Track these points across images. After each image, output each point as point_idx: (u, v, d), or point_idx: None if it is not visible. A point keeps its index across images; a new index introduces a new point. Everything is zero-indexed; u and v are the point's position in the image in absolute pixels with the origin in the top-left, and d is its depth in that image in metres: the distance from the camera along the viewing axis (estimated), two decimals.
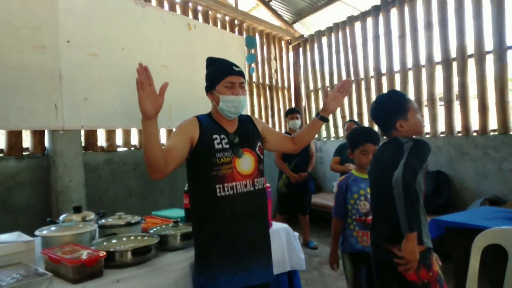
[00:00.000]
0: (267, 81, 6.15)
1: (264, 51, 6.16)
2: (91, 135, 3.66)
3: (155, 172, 1.50)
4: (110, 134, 3.83)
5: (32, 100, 2.74)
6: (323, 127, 5.98)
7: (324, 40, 6.22)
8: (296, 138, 1.96)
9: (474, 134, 4.30)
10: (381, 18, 5.25)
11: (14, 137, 3.16)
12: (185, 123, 1.69)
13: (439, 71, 4.59)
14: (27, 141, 3.29)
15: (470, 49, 4.28)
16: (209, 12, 5.15)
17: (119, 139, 3.93)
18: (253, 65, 5.45)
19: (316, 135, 4.89)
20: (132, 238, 1.76)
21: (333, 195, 2.44)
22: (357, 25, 5.65)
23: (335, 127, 6.07)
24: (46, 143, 3.24)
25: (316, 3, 6.01)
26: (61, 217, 2.00)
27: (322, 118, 1.90)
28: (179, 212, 2.40)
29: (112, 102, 3.21)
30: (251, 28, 5.89)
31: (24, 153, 3.22)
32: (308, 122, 6.40)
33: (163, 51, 3.63)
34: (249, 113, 5.25)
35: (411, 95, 4.75)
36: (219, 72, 1.70)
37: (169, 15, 3.86)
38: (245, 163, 1.66)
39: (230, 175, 1.62)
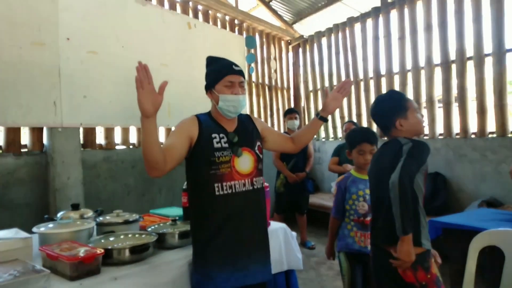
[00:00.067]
0: (266, 81, 6.15)
1: (264, 51, 6.16)
2: (90, 132, 3.66)
3: (153, 170, 1.50)
4: (109, 132, 3.82)
5: (31, 97, 2.74)
6: (322, 127, 5.99)
7: (324, 40, 6.23)
8: (295, 138, 1.97)
9: (473, 136, 4.31)
10: (381, 19, 5.25)
11: (13, 133, 3.16)
12: (185, 122, 1.69)
13: (438, 73, 4.60)
14: (25, 138, 3.28)
15: (469, 51, 4.29)
16: (209, 12, 5.15)
17: (117, 137, 3.93)
18: (252, 65, 5.45)
19: (315, 136, 4.89)
20: (130, 236, 1.76)
21: (331, 195, 2.45)
22: (357, 26, 5.65)
23: (334, 127, 6.07)
24: (45, 140, 3.24)
25: (316, 4, 6.02)
26: (59, 214, 2.00)
27: (321, 118, 1.91)
28: (177, 211, 2.41)
29: (111, 100, 3.21)
30: (251, 28, 5.89)
31: (22, 150, 3.21)
32: (307, 122, 6.42)
33: (162, 49, 3.63)
34: (248, 113, 5.24)
35: (410, 97, 4.75)
36: (219, 71, 1.70)
37: (169, 14, 3.86)
38: (244, 162, 1.66)
39: (229, 174, 1.62)
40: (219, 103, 1.67)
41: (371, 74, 5.44)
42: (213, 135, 1.65)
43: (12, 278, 1.27)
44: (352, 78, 5.66)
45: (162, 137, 4.30)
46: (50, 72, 2.83)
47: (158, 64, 3.52)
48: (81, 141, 3.51)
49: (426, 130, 4.69)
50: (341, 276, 2.31)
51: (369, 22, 5.42)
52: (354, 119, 5.60)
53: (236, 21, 5.61)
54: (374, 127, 5.32)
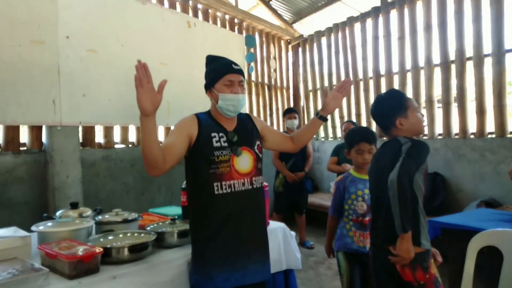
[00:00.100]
0: (266, 81, 6.15)
1: (264, 50, 6.16)
2: (89, 131, 3.65)
3: (153, 169, 1.50)
4: (108, 131, 3.82)
5: (30, 95, 2.73)
6: (321, 127, 5.99)
7: (324, 40, 6.23)
8: (295, 137, 1.97)
9: (472, 136, 4.32)
10: (380, 19, 5.25)
11: (12, 132, 3.16)
12: (184, 120, 1.69)
13: (437, 73, 4.60)
14: (24, 136, 3.28)
15: (469, 52, 4.30)
16: (209, 11, 5.14)
17: (117, 135, 3.93)
18: (252, 64, 5.44)
19: (314, 135, 4.90)
20: (129, 234, 1.76)
21: (330, 195, 2.45)
22: (357, 26, 5.65)
23: (333, 127, 6.08)
24: (44, 138, 3.24)
25: (316, 3, 6.02)
26: (58, 213, 2.00)
27: (321, 117, 1.90)
28: (176, 210, 2.41)
29: (111, 99, 3.20)
30: (250, 27, 5.89)
31: (21, 149, 3.21)
32: (306, 122, 6.42)
33: (162, 48, 3.62)
34: (247, 112, 5.24)
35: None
36: (219, 70, 1.70)
37: (169, 13, 3.86)
38: (244, 161, 1.66)
39: (228, 173, 1.62)
40: (218, 102, 1.67)
41: (370, 74, 5.44)
42: (213, 134, 1.65)
43: (11, 276, 1.27)
44: (351, 78, 5.66)
45: (161, 136, 4.30)
46: (50, 70, 2.83)
47: (158, 63, 3.51)
48: (80, 140, 3.50)
49: (426, 130, 4.69)
50: (339, 276, 2.31)
51: (369, 21, 5.43)
52: (354, 119, 5.60)
53: (236, 20, 5.61)
54: (374, 127, 5.33)
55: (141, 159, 1.49)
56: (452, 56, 4.44)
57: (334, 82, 5.97)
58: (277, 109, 6.35)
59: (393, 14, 5.09)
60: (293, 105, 6.64)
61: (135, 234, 1.77)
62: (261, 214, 1.74)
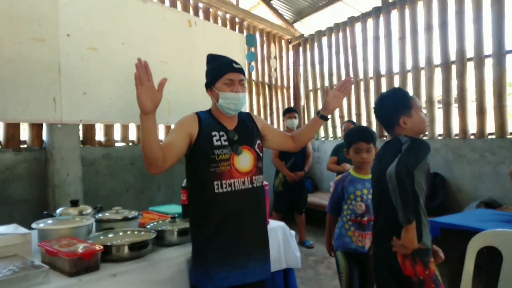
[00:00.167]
0: (266, 80, 6.15)
1: (264, 49, 6.16)
2: (89, 129, 3.65)
3: (153, 167, 1.50)
4: (108, 129, 3.82)
5: (30, 92, 2.73)
6: (322, 127, 6.01)
7: (324, 40, 6.23)
8: (296, 136, 1.97)
9: (472, 137, 4.32)
10: (381, 19, 5.25)
11: (12, 129, 3.16)
12: (185, 119, 1.69)
13: (438, 73, 4.61)
14: (25, 134, 3.28)
15: (470, 52, 4.30)
16: (210, 10, 5.14)
17: (117, 134, 3.93)
18: (252, 63, 5.44)
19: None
20: (129, 232, 1.76)
21: (329, 194, 2.45)
22: (358, 26, 5.65)
23: (333, 127, 6.08)
24: (44, 136, 3.24)
25: (317, 3, 6.02)
26: (58, 211, 2.01)
27: (322, 117, 1.91)
28: (176, 208, 2.41)
29: (111, 97, 3.20)
30: (251, 26, 5.89)
31: (21, 146, 3.21)
32: (306, 121, 6.43)
33: (163, 47, 3.62)
34: (248, 111, 5.24)
35: None
36: (219, 69, 1.70)
37: (169, 11, 3.86)
38: (244, 160, 1.66)
39: (228, 172, 1.62)
40: (219, 101, 1.67)
41: (371, 74, 5.44)
42: (213, 133, 1.65)
43: (11, 273, 1.27)
44: (352, 78, 5.66)
45: (162, 135, 4.30)
46: (50, 68, 2.83)
47: (158, 62, 3.51)
48: (81, 138, 3.50)
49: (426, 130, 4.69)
50: (338, 275, 2.32)
51: (370, 22, 5.43)
52: (354, 119, 5.61)
53: (236, 19, 5.60)
54: (374, 127, 5.34)
55: (141, 157, 1.49)
56: (452, 56, 4.44)
57: (335, 82, 5.97)
58: (278, 108, 6.35)
59: (394, 14, 5.09)
60: (293, 105, 6.64)
61: (135, 232, 1.77)
62: (261, 213, 1.74)
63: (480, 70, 4.19)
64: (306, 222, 4.70)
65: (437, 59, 4.61)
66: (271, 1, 6.14)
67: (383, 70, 5.26)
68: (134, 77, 1.38)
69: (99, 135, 3.78)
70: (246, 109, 5.17)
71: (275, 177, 4.54)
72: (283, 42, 6.59)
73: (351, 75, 5.70)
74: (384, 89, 5.22)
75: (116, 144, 3.89)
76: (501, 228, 1.96)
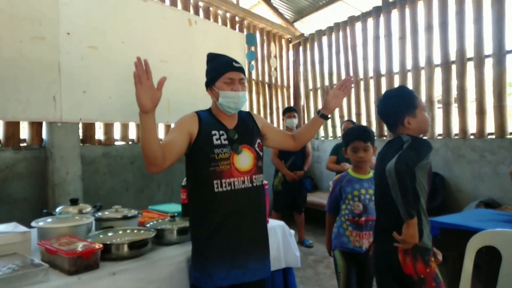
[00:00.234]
0: (266, 79, 6.15)
1: (264, 49, 6.15)
2: (89, 128, 3.65)
3: (152, 166, 1.50)
4: (108, 128, 3.82)
5: (30, 91, 2.73)
6: (321, 126, 6.02)
7: (325, 39, 6.22)
8: (296, 135, 1.97)
9: (471, 137, 4.32)
10: (382, 19, 5.25)
11: (12, 128, 3.15)
12: (185, 118, 1.69)
13: (438, 73, 4.61)
14: (24, 132, 3.28)
15: (470, 52, 4.30)
16: (210, 8, 5.14)
17: (117, 133, 3.93)
18: (252, 62, 5.45)
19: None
20: (128, 231, 1.76)
21: (329, 194, 2.46)
22: (358, 25, 5.65)
23: (333, 126, 6.08)
24: (44, 135, 3.23)
25: (317, 2, 6.01)
26: (57, 209, 2.00)
27: (322, 116, 1.91)
28: (176, 207, 2.41)
29: (111, 96, 3.20)
30: (251, 25, 5.88)
31: (21, 145, 3.21)
32: (306, 121, 6.43)
33: (163, 46, 3.63)
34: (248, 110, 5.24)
35: None
36: (219, 68, 1.70)
37: (170, 10, 3.86)
38: (244, 159, 1.66)
39: (228, 171, 1.62)
40: (219, 100, 1.67)
41: (371, 73, 5.44)
42: (213, 132, 1.65)
43: (11, 271, 1.27)
44: (352, 77, 5.65)
45: (161, 133, 4.30)
46: (50, 66, 2.83)
47: (158, 61, 3.51)
48: (81, 137, 3.50)
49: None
50: (335, 274, 2.32)
51: (370, 21, 5.42)
52: (354, 119, 5.61)
53: (237, 19, 5.60)
54: (373, 126, 5.34)
55: (141, 156, 1.49)
56: (452, 56, 4.44)
57: (335, 81, 5.97)
58: (277, 108, 6.35)
59: (394, 14, 5.09)
60: (293, 104, 6.64)
61: (135, 231, 1.77)
62: (261, 212, 1.74)
63: (480, 70, 4.20)
64: (306, 222, 4.70)
65: (437, 59, 4.61)
66: (271, 0, 6.14)
67: (383, 70, 5.26)
68: (133, 76, 1.38)
69: (99, 134, 3.78)
70: (246, 108, 5.17)
71: (274, 176, 4.54)
72: (283, 41, 6.58)
73: (351, 74, 5.70)
74: (384, 88, 5.22)
75: (116, 143, 3.89)
76: (501, 228, 1.96)
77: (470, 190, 4.20)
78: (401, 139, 1.71)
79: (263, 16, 6.00)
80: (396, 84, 5.06)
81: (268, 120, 6.11)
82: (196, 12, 4.85)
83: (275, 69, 6.28)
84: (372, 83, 5.43)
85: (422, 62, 4.75)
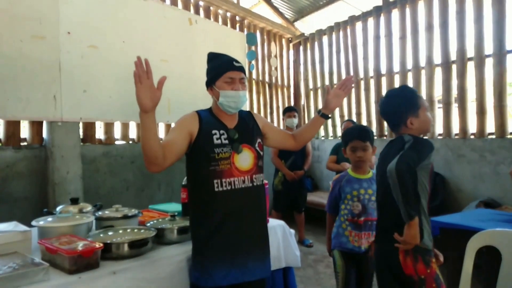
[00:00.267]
0: (266, 79, 6.15)
1: (265, 48, 6.15)
2: (89, 127, 3.65)
3: (153, 165, 1.50)
4: (108, 127, 3.82)
5: (31, 90, 2.73)
6: (322, 126, 6.01)
7: (325, 39, 6.22)
8: (297, 135, 1.96)
9: (472, 137, 4.32)
10: (382, 18, 5.25)
11: (12, 127, 3.16)
12: (185, 117, 1.69)
13: (438, 73, 4.60)
14: (25, 131, 3.28)
15: (470, 52, 4.30)
16: (211, 8, 5.13)
17: (117, 132, 3.93)
18: (253, 62, 5.45)
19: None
20: (129, 230, 1.76)
21: (329, 193, 2.46)
22: (358, 25, 5.65)
23: (333, 126, 6.08)
24: (44, 134, 3.24)
25: (317, 2, 6.01)
26: (58, 208, 2.01)
27: (323, 115, 1.90)
28: (176, 206, 2.41)
29: (111, 95, 3.21)
30: (252, 25, 5.88)
31: (21, 144, 3.21)
32: (306, 120, 6.43)
33: (163, 45, 3.63)
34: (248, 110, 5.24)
35: None
36: (220, 68, 1.70)
37: (170, 9, 3.86)
38: (244, 159, 1.66)
39: (228, 170, 1.62)
40: (219, 99, 1.67)
41: (371, 73, 5.44)
42: (213, 131, 1.65)
43: (11, 270, 1.27)
44: (352, 76, 5.65)
45: (162, 133, 4.30)
46: (50, 66, 2.83)
47: (159, 60, 3.51)
48: (81, 136, 3.51)
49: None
50: (334, 273, 2.32)
51: (371, 21, 5.42)
52: (354, 118, 5.61)
53: (237, 18, 5.60)
54: (373, 126, 5.34)
55: (141, 155, 1.49)
56: (453, 56, 4.44)
57: (335, 81, 5.97)
58: (278, 107, 6.35)
59: (395, 13, 5.09)
60: (293, 104, 6.64)
61: (135, 230, 1.77)
62: (261, 212, 1.74)
63: (480, 70, 4.19)
64: (306, 221, 4.70)
65: (437, 58, 4.60)
66: (272, 0, 6.13)
67: (383, 70, 5.26)
68: (133, 75, 1.38)
69: (99, 133, 3.78)
70: (246, 107, 5.17)
71: (274, 176, 4.54)
72: (283, 40, 6.58)
73: (352, 74, 5.70)
74: (384, 88, 5.22)
75: (116, 142, 3.89)
76: (501, 228, 1.97)
77: (470, 190, 4.20)
78: (402, 139, 1.70)
79: (263, 15, 6.00)
80: (397, 83, 5.06)
81: (268, 120, 6.11)
82: (197, 12, 4.85)
83: (276, 68, 6.28)
84: (372, 82, 5.43)
85: (422, 62, 4.75)
